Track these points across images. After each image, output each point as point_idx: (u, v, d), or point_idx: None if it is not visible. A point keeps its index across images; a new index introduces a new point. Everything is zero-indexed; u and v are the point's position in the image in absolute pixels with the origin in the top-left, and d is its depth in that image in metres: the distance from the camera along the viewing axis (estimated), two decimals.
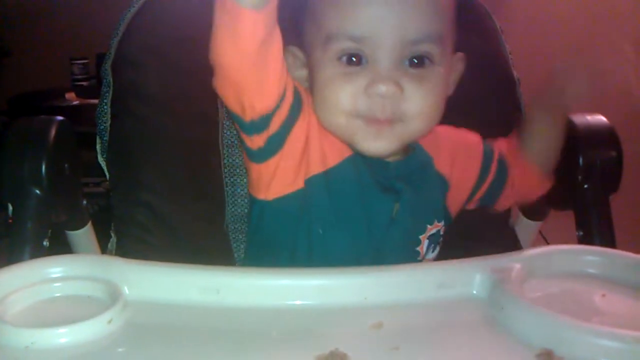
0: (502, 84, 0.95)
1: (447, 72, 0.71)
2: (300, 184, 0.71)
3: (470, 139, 0.82)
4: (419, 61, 0.67)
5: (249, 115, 0.65)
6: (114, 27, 0.90)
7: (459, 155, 0.79)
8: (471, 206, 0.82)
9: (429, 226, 0.76)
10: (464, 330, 0.59)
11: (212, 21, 0.84)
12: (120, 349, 0.54)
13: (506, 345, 0.55)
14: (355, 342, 0.55)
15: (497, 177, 0.80)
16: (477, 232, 0.85)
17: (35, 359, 0.52)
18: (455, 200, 0.79)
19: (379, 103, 0.66)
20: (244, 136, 0.69)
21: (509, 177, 0.80)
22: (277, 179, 0.70)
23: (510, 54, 0.97)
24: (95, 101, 2.20)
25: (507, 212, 0.91)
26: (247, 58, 0.61)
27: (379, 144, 0.68)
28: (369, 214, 0.72)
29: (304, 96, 0.70)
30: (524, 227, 1.02)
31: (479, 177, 0.80)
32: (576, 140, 0.87)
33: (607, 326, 0.53)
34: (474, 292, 0.64)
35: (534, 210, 0.99)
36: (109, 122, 0.85)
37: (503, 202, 0.83)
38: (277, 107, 0.66)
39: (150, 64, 0.86)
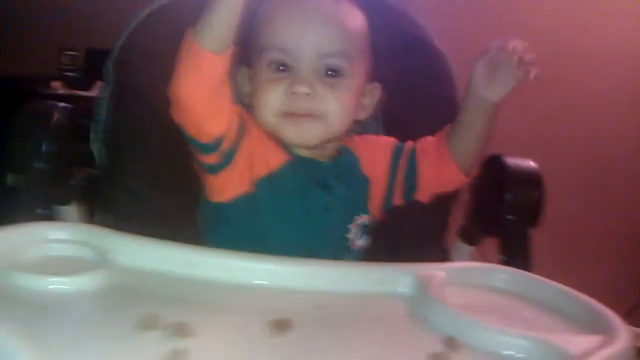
0: (446, 95, 1.09)
1: (357, 88, 0.87)
2: (248, 187, 0.85)
3: (383, 141, 0.96)
4: (332, 72, 0.84)
5: (204, 139, 0.80)
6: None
7: (374, 155, 0.93)
8: (397, 201, 0.95)
9: (356, 217, 0.90)
10: (388, 319, 0.72)
11: None
12: (104, 300, 0.65)
13: (421, 334, 0.68)
14: (299, 316, 0.67)
15: (408, 172, 0.93)
16: (414, 244, 0.98)
17: (31, 300, 0.62)
18: (376, 196, 0.93)
19: (297, 101, 0.82)
20: (199, 154, 0.83)
21: (418, 170, 0.92)
22: (228, 185, 0.84)
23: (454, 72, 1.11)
24: (81, 93, 2.29)
25: (443, 229, 1.04)
26: (205, 93, 0.76)
27: (301, 134, 0.84)
28: (305, 205, 0.86)
29: (246, 117, 0.85)
30: (459, 250, 1.15)
31: (389, 172, 0.93)
32: (505, 178, 1.01)
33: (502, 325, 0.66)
34: (400, 290, 0.77)
35: (468, 235, 1.13)
36: (105, 115, 0.96)
37: (422, 195, 0.94)
38: (227, 130, 0.81)
39: (148, 69, 0.98)
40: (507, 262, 0.97)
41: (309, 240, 0.85)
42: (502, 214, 1.01)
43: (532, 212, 1.01)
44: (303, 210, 0.86)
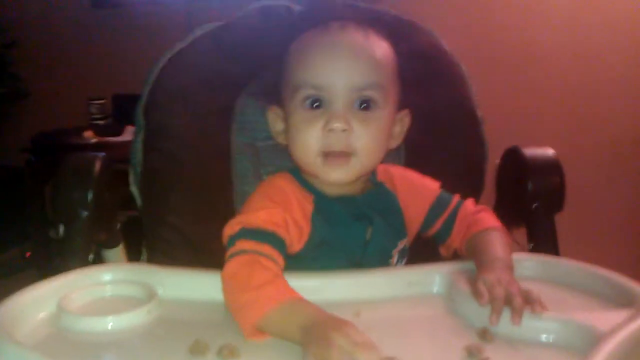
0: (467, 122, 1.13)
1: (389, 118, 0.89)
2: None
3: (425, 186, 0.98)
4: (366, 104, 0.85)
5: None
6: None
7: (413, 199, 0.95)
8: (429, 235, 0.98)
9: (398, 242, 0.93)
10: (425, 318, 0.76)
11: (222, 71, 1.03)
12: (157, 331, 0.71)
13: (457, 329, 0.72)
14: None
15: (443, 227, 0.96)
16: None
17: (92, 340, 0.69)
18: (411, 228, 0.96)
19: (334, 138, 0.84)
20: None
21: (452, 231, 0.95)
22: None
23: (475, 95, 1.15)
24: (112, 139, 2.39)
25: None
26: None
27: (338, 173, 0.86)
28: (346, 239, 0.89)
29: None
30: None
31: (425, 220, 0.96)
32: (525, 169, 1.04)
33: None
34: (433, 288, 0.81)
35: None
36: (142, 157, 1.03)
37: (445, 250, 0.97)
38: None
39: (174, 108, 1.04)
40: (535, 249, 1.01)
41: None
42: (526, 203, 1.04)
43: (554, 198, 1.04)
44: (343, 243, 0.89)
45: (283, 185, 0.89)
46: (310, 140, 0.85)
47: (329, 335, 0.61)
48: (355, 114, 0.85)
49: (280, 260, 0.78)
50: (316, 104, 0.85)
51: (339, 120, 0.83)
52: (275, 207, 0.84)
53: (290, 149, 0.89)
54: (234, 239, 0.79)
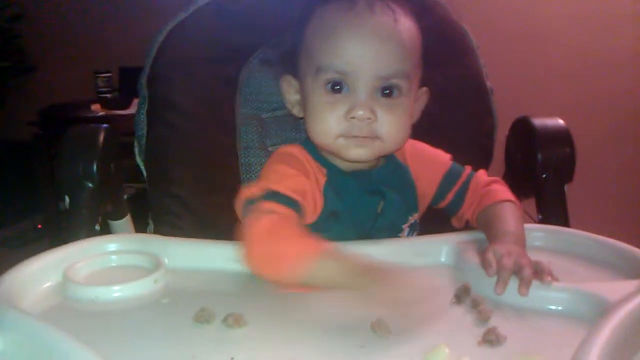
0: (476, 93, 1.11)
1: (412, 101, 0.87)
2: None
3: (436, 157, 0.96)
4: (389, 91, 0.83)
5: None
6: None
7: (425, 170, 0.94)
8: (441, 207, 0.97)
9: (409, 217, 0.92)
10: (433, 288, 0.75)
11: (226, 42, 1.02)
12: (163, 300, 0.71)
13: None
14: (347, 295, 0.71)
15: (455, 199, 0.94)
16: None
17: (98, 309, 0.69)
18: (422, 202, 0.95)
19: (357, 125, 0.82)
20: None
21: (464, 202, 0.94)
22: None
23: (484, 66, 1.14)
24: (119, 112, 2.39)
25: None
26: None
27: (360, 152, 0.84)
28: (357, 211, 0.88)
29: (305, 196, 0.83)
30: None
31: (438, 191, 0.95)
32: (535, 139, 1.03)
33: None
34: (442, 259, 0.81)
35: None
36: (146, 129, 1.02)
37: (457, 221, 0.96)
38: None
39: (177, 79, 1.03)
40: (544, 220, 1.00)
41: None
42: (536, 174, 1.02)
43: (564, 168, 1.02)
44: (355, 215, 0.88)
45: (297, 154, 0.88)
46: (331, 124, 0.83)
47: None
48: (378, 101, 0.82)
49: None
50: (337, 87, 0.83)
51: (363, 109, 0.81)
52: (299, 176, 0.83)
53: (308, 127, 0.88)
54: (257, 200, 0.77)
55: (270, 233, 0.73)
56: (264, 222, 0.74)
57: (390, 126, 0.83)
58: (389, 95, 0.83)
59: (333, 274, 0.68)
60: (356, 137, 0.83)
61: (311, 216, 0.84)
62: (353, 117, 0.81)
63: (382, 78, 0.82)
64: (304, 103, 0.88)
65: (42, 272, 0.72)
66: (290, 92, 0.91)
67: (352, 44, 0.81)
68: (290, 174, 0.83)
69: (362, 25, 0.82)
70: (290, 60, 0.90)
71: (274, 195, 0.78)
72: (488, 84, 1.12)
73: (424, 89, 0.91)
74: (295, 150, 0.90)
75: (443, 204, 0.96)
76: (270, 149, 1.03)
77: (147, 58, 1.04)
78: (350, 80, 0.82)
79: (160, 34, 1.05)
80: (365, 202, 0.89)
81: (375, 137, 0.83)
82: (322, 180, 0.87)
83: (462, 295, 0.70)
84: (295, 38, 0.88)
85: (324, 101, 0.84)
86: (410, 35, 0.84)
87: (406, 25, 0.84)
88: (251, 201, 0.78)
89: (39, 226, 2.60)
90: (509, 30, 2.25)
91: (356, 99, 0.82)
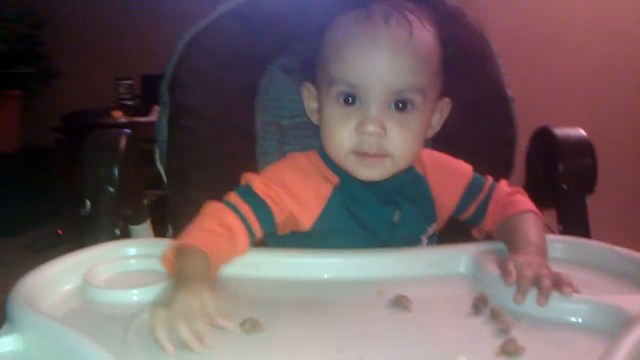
0: (497, 102, 1.10)
1: (427, 116, 0.86)
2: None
3: (458, 169, 0.96)
4: (402, 105, 0.82)
5: None
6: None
7: (445, 182, 0.94)
8: (462, 219, 0.96)
9: (428, 228, 0.92)
10: (450, 298, 0.75)
11: (246, 49, 1.03)
12: None
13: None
14: (364, 303, 0.71)
15: (477, 211, 0.94)
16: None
17: (117, 312, 0.69)
18: (441, 213, 0.94)
19: (366, 140, 0.81)
20: None
21: (486, 215, 0.93)
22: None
23: (505, 75, 1.13)
24: (140, 119, 2.42)
25: None
26: None
27: (371, 172, 0.84)
28: (372, 221, 0.88)
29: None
30: None
31: (459, 204, 0.94)
32: (556, 150, 1.02)
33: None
34: (459, 269, 0.80)
35: None
36: (166, 135, 1.03)
37: (478, 232, 0.96)
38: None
39: (198, 85, 1.04)
40: (565, 231, 0.98)
41: None
42: (556, 184, 1.01)
43: (586, 180, 1.01)
44: (371, 227, 0.88)
45: (302, 163, 0.89)
46: (342, 137, 0.83)
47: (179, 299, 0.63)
48: (390, 116, 0.81)
49: (256, 226, 0.81)
50: (350, 100, 0.82)
51: (373, 124, 0.80)
52: (277, 184, 0.85)
53: (322, 139, 0.88)
54: (237, 189, 0.84)
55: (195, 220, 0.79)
56: (203, 208, 0.81)
57: (399, 143, 0.82)
58: (402, 109, 0.82)
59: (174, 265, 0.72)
60: (366, 154, 0.82)
61: (305, 223, 0.86)
62: (364, 132, 0.81)
63: (394, 92, 0.81)
64: (319, 114, 0.88)
65: (62, 274, 0.73)
66: (310, 99, 0.91)
67: (363, 56, 0.81)
68: (271, 178, 0.86)
69: (375, 38, 0.81)
70: (310, 68, 0.90)
71: (242, 190, 0.84)
72: (509, 92, 1.11)
73: (446, 99, 0.90)
74: (305, 158, 0.91)
75: (465, 215, 0.95)
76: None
77: (168, 64, 1.05)
78: (361, 93, 0.81)
79: (182, 40, 1.06)
80: (380, 212, 0.89)
81: (384, 155, 0.82)
82: (329, 188, 0.87)
83: (479, 305, 0.69)
84: (315, 46, 0.89)
85: (336, 113, 0.84)
86: (426, 47, 0.83)
87: (422, 37, 0.82)
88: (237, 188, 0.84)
89: (59, 231, 2.63)
90: (529, 40, 2.24)
91: (367, 113, 0.81)
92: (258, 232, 0.82)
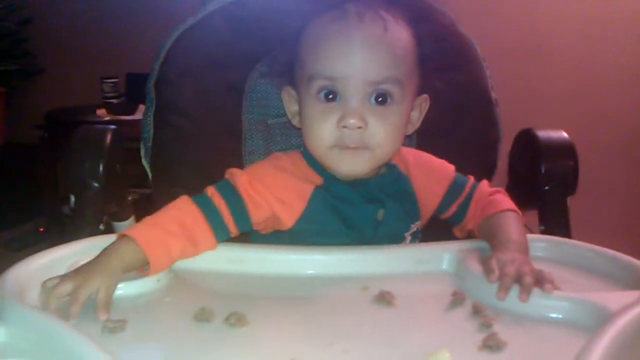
0: (481, 103, 1.12)
1: (407, 110, 0.87)
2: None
3: (440, 169, 0.97)
4: (382, 98, 0.83)
5: None
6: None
7: (428, 182, 0.95)
8: (444, 218, 0.98)
9: (411, 225, 0.93)
10: (433, 296, 0.75)
11: (233, 48, 1.03)
12: (165, 299, 0.71)
13: (466, 307, 0.71)
14: (348, 299, 0.72)
15: (458, 210, 0.96)
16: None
17: None
18: (424, 212, 0.95)
19: (348, 134, 0.82)
20: None
21: (467, 214, 0.95)
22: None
23: (490, 77, 1.14)
24: (125, 117, 2.40)
25: None
26: None
27: (352, 165, 0.85)
28: (356, 219, 0.88)
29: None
30: None
31: (441, 203, 0.95)
32: (539, 152, 1.03)
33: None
34: (442, 267, 0.81)
35: None
36: (152, 132, 1.03)
37: (459, 231, 0.97)
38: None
39: (185, 83, 1.04)
40: (546, 231, 1.00)
41: None
42: (539, 186, 1.03)
43: (567, 181, 1.03)
44: (355, 225, 0.88)
45: (285, 164, 0.90)
46: (323, 134, 0.84)
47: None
48: (370, 109, 0.83)
49: (230, 221, 0.81)
50: (330, 96, 0.83)
51: (354, 117, 0.81)
52: (260, 183, 0.85)
53: (304, 138, 0.89)
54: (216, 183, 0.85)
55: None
56: (170, 203, 0.82)
57: (380, 135, 0.83)
58: (382, 102, 0.83)
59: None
60: (347, 147, 0.83)
61: (287, 221, 0.86)
62: (345, 126, 0.82)
63: (372, 83, 0.82)
64: (300, 114, 0.89)
65: (47, 268, 0.72)
66: (291, 102, 0.92)
67: (340, 50, 0.82)
68: (255, 177, 0.86)
69: (351, 33, 0.83)
70: (289, 71, 0.91)
71: (222, 184, 0.85)
72: (493, 94, 1.13)
73: (424, 96, 0.92)
74: (287, 158, 0.91)
75: (446, 214, 0.97)
76: None
77: (155, 61, 1.05)
78: (340, 87, 0.82)
79: (170, 38, 1.06)
80: (364, 210, 0.89)
81: (365, 147, 0.83)
82: (310, 188, 0.87)
83: (458, 300, 0.70)
84: (292, 49, 0.90)
85: (317, 109, 0.84)
86: (401, 42, 0.85)
87: (397, 32, 0.84)
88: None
89: (41, 229, 2.61)
90: (514, 45, 2.27)
91: (348, 107, 0.82)
92: (232, 226, 0.82)
